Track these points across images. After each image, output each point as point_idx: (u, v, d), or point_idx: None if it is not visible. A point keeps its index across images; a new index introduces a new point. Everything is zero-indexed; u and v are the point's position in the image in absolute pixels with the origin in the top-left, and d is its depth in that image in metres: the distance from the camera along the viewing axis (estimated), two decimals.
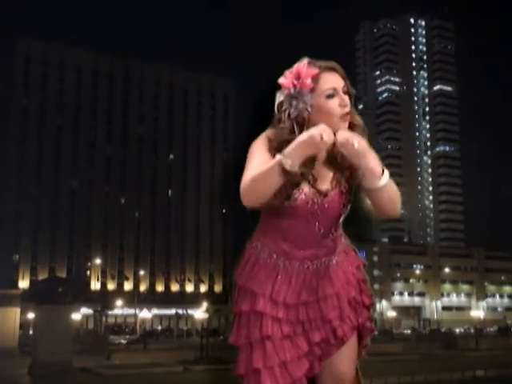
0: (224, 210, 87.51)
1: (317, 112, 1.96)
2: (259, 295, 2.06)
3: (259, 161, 1.95)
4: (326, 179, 2.04)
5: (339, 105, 1.97)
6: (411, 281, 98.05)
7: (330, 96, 1.97)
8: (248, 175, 1.92)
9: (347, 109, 1.98)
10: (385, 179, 1.94)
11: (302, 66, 1.97)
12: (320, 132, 1.80)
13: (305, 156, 1.85)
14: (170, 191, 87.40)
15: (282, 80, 1.98)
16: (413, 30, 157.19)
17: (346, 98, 1.99)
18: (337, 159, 2.00)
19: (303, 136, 1.83)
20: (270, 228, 2.10)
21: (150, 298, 77.09)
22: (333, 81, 1.98)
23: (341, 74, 2.01)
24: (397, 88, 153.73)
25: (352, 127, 2.02)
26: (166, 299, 78.67)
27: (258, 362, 2.01)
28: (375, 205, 1.96)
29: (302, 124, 1.96)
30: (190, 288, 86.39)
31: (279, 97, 2.00)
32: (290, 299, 2.05)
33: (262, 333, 2.02)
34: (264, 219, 2.13)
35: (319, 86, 1.96)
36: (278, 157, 1.84)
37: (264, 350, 2.02)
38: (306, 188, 2.00)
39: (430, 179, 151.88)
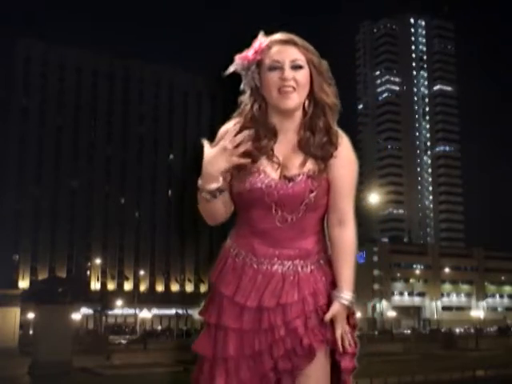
0: None
1: (262, 86, 1.91)
2: (224, 297, 1.94)
3: None
4: (294, 164, 1.91)
5: (279, 77, 1.87)
6: (411, 281, 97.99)
7: (272, 68, 1.88)
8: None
9: (287, 82, 1.86)
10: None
11: (256, 40, 1.92)
12: (220, 148, 1.83)
13: (218, 171, 1.87)
14: (169, 191, 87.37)
15: (237, 56, 1.94)
16: (413, 30, 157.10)
17: (288, 71, 1.87)
18: (306, 142, 1.92)
19: (206, 153, 1.87)
20: (241, 221, 2.00)
21: (150, 298, 77.01)
22: (279, 53, 1.88)
23: (298, 47, 1.90)
24: (397, 88, 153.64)
25: (317, 104, 1.93)
26: (166, 299, 78.63)
27: (220, 381, 1.89)
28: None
29: (258, 99, 1.94)
30: (189, 288, 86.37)
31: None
32: (251, 302, 1.90)
33: (226, 352, 1.90)
34: (237, 212, 2.03)
35: (265, 59, 1.90)
36: (198, 182, 1.91)
37: (226, 369, 1.90)
38: (268, 171, 1.91)
39: (430, 179, 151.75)
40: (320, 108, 1.93)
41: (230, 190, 1.96)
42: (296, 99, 1.89)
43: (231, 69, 1.93)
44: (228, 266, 1.98)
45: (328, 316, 1.87)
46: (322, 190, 1.91)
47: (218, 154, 1.84)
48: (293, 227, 1.91)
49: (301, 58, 1.89)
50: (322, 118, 1.93)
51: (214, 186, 1.89)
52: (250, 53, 1.91)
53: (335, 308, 1.88)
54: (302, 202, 1.88)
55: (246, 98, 1.97)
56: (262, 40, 1.91)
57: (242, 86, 1.97)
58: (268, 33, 1.94)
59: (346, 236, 1.94)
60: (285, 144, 1.94)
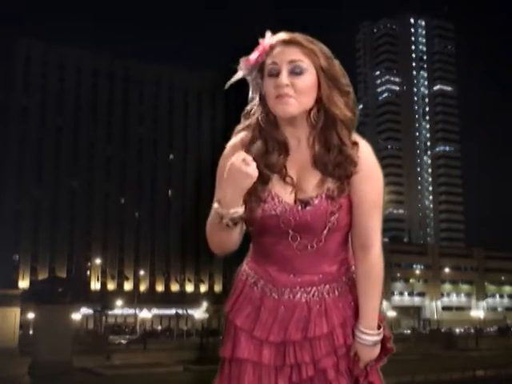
0: None
1: (265, 93, 1.69)
2: (241, 331, 1.72)
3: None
4: (309, 184, 1.68)
5: (274, 85, 1.63)
6: (411, 281, 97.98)
7: (270, 74, 1.65)
8: (208, 222, 1.69)
9: (281, 89, 1.61)
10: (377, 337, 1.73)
11: (262, 41, 1.70)
12: (238, 163, 1.55)
13: (240, 194, 1.59)
14: (169, 191, 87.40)
15: (241, 59, 1.75)
16: (413, 30, 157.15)
17: (284, 77, 1.62)
18: (321, 159, 1.68)
19: (226, 172, 1.58)
20: (256, 247, 1.78)
21: (150, 298, 77.02)
22: (277, 55, 1.65)
23: (302, 48, 1.65)
24: (397, 88, 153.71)
25: (327, 115, 1.67)
26: (166, 299, 78.65)
27: None
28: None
29: (265, 107, 1.71)
30: (189, 288, 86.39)
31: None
32: (274, 337, 1.68)
33: None
34: (251, 237, 1.79)
35: (267, 61, 1.67)
36: (215, 206, 1.62)
37: None
38: (282, 196, 1.68)
39: (430, 179, 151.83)
40: (330, 120, 1.67)
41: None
42: (295, 105, 1.63)
43: (237, 76, 1.73)
44: (244, 296, 1.76)
45: (352, 354, 1.71)
46: (345, 209, 1.68)
47: (241, 172, 1.56)
48: (314, 253, 1.70)
49: (303, 60, 1.63)
50: (334, 133, 1.67)
51: (238, 210, 1.61)
52: (252, 56, 1.70)
53: (355, 347, 1.71)
54: (323, 227, 1.66)
55: (253, 107, 1.76)
56: (266, 41, 1.69)
57: (250, 94, 1.76)
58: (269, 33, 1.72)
59: (370, 263, 1.73)
60: (298, 161, 1.70)
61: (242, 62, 1.72)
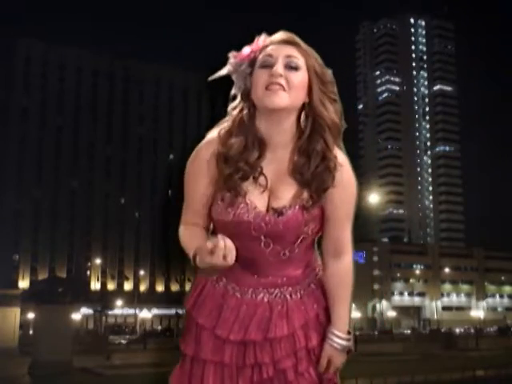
0: None
1: (252, 87, 1.65)
2: (203, 329, 1.71)
3: (193, 200, 1.72)
4: (284, 193, 1.65)
5: (268, 74, 1.60)
6: (411, 281, 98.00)
7: (263, 66, 1.62)
8: (180, 229, 1.73)
9: (275, 78, 1.59)
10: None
11: (256, 39, 1.69)
12: (220, 261, 1.51)
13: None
14: (169, 191, 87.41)
15: (231, 54, 1.72)
16: (413, 30, 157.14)
17: (279, 67, 1.60)
18: (301, 168, 1.65)
19: (201, 253, 1.54)
20: None
21: (150, 298, 77.03)
22: (274, 50, 1.63)
23: (298, 48, 1.65)
24: (397, 88, 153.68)
25: (315, 121, 1.65)
26: (166, 299, 78.65)
27: None
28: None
29: (247, 102, 1.68)
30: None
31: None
32: (234, 335, 1.67)
33: None
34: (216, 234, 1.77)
35: (259, 56, 1.65)
36: (191, 254, 1.61)
37: None
38: (256, 202, 1.64)
39: (430, 179, 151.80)
40: (318, 126, 1.64)
41: (210, 210, 1.71)
42: (285, 98, 1.59)
43: (224, 70, 1.70)
44: (206, 294, 1.75)
45: (323, 362, 1.69)
46: (317, 219, 1.67)
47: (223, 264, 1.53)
48: (282, 258, 1.68)
49: (299, 58, 1.62)
50: (321, 139, 1.65)
51: (217, 273, 1.67)
52: (245, 50, 1.68)
53: (328, 353, 1.70)
54: (296, 238, 1.65)
55: (235, 103, 1.73)
56: (261, 38, 1.69)
57: (232, 91, 1.73)
58: (269, 33, 1.73)
59: (342, 269, 1.73)
60: (275, 164, 1.67)
61: (232, 57, 1.69)
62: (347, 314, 1.74)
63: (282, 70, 1.60)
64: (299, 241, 1.66)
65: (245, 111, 1.68)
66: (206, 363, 1.69)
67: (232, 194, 1.63)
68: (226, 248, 1.49)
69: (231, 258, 1.50)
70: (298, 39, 1.66)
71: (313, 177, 1.63)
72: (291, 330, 1.68)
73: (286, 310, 1.70)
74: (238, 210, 1.63)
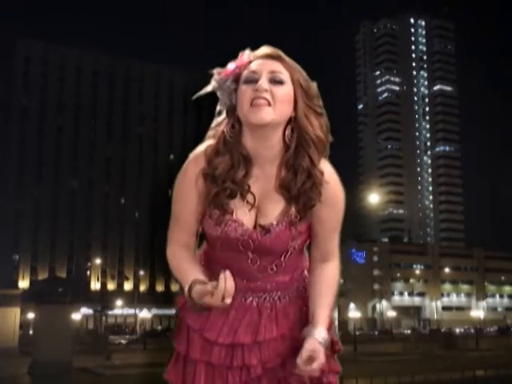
0: None
1: (237, 103, 1.63)
2: (192, 331, 1.73)
3: (181, 217, 1.79)
4: (271, 210, 1.66)
5: (252, 89, 1.58)
6: (411, 281, 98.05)
7: (248, 81, 1.60)
8: (169, 252, 1.83)
9: (259, 93, 1.56)
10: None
11: (240, 55, 1.67)
12: (219, 303, 1.52)
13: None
14: (169, 191, 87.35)
15: (215, 70, 1.69)
16: (413, 30, 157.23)
17: (264, 82, 1.58)
18: (288, 184, 1.65)
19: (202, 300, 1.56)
20: (211, 253, 1.78)
21: (150, 298, 77.04)
22: (258, 65, 1.62)
23: (283, 62, 1.63)
24: (397, 88, 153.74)
25: (301, 135, 1.63)
26: (166, 299, 78.62)
27: None
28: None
29: (232, 118, 1.66)
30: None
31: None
32: (223, 339, 1.69)
33: None
34: (206, 243, 1.81)
35: (243, 72, 1.63)
36: (186, 288, 1.62)
37: None
38: (243, 219, 1.65)
39: (430, 179, 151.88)
40: (303, 141, 1.63)
41: (198, 227, 1.77)
42: (270, 113, 1.57)
43: (209, 87, 1.67)
44: None
45: (304, 356, 1.62)
46: (305, 233, 1.69)
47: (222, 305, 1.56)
48: (271, 270, 1.71)
49: (283, 73, 1.60)
50: (306, 155, 1.63)
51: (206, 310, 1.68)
52: (230, 66, 1.65)
53: (311, 346, 1.64)
54: (283, 252, 1.67)
55: (220, 119, 1.70)
56: (246, 54, 1.66)
57: (218, 107, 1.70)
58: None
59: (328, 272, 1.74)
60: (262, 180, 1.67)
61: (216, 73, 1.67)
62: (329, 314, 1.74)
63: (267, 85, 1.58)
64: (287, 255, 1.68)
65: (230, 127, 1.66)
66: (198, 363, 1.72)
67: (220, 211, 1.64)
68: (225, 290, 1.50)
69: (230, 298, 1.51)
70: (282, 53, 1.65)
71: (299, 193, 1.63)
72: (280, 333, 1.71)
73: (275, 314, 1.73)
74: (225, 227, 1.64)
